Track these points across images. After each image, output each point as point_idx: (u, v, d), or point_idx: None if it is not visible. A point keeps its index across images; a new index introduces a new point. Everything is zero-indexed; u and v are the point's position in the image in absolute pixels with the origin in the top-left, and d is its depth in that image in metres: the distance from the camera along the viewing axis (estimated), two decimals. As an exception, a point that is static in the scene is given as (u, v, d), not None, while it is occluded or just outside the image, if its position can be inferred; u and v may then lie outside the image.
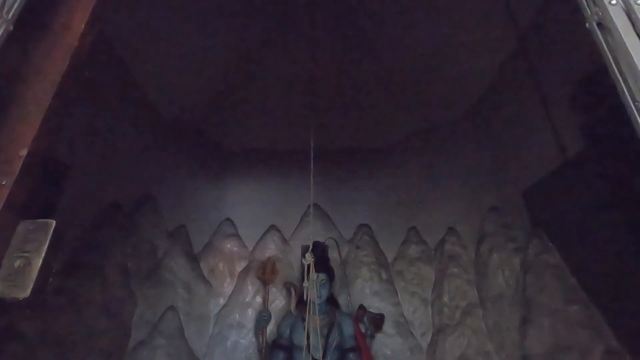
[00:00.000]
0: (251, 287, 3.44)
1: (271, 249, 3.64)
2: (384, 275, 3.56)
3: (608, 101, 2.00)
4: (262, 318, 3.00)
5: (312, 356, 2.63)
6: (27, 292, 0.71)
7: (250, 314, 3.33)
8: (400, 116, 3.98)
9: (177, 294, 3.22)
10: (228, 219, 3.84)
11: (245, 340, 3.25)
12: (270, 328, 3.12)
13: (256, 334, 3.12)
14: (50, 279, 0.75)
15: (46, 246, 0.75)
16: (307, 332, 2.48)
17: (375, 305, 3.34)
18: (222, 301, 3.45)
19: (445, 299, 3.22)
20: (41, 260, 0.73)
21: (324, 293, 2.89)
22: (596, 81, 2.00)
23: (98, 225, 2.64)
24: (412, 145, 4.04)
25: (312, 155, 2.66)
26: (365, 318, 3.07)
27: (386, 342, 3.24)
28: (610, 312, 1.99)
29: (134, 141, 3.06)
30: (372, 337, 3.08)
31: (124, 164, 2.93)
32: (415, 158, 3.98)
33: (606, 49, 0.89)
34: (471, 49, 2.97)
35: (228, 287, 3.52)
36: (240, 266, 3.61)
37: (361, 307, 3.15)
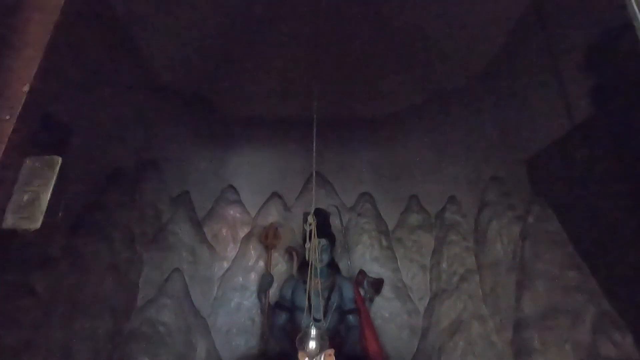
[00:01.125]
0: (254, 252, 3.53)
1: (273, 215, 3.69)
2: (384, 242, 3.63)
3: (614, 70, 1.95)
4: (265, 281, 3.09)
5: (312, 317, 2.73)
6: (38, 224, 0.73)
7: (253, 277, 3.43)
8: (405, 84, 3.91)
9: (181, 257, 3.30)
10: (230, 186, 3.88)
11: (248, 302, 3.38)
12: (273, 291, 3.22)
13: (259, 296, 3.23)
14: (60, 214, 0.76)
15: (53, 181, 0.76)
16: (309, 294, 2.56)
17: (374, 270, 3.44)
18: (225, 265, 3.55)
19: (444, 265, 3.30)
20: (49, 194, 0.74)
21: (325, 258, 2.95)
22: (604, 50, 1.95)
23: (101, 189, 2.67)
24: (416, 114, 3.99)
25: (314, 123, 2.62)
26: (364, 282, 3.17)
27: (384, 306, 3.36)
28: (605, 277, 2.04)
29: (133, 106, 3.04)
30: (371, 300, 3.19)
31: (125, 129, 2.92)
32: (418, 127, 3.95)
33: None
34: (479, 16, 2.86)
35: (231, 251, 3.60)
36: (243, 232, 3.68)
37: (361, 272, 3.24)
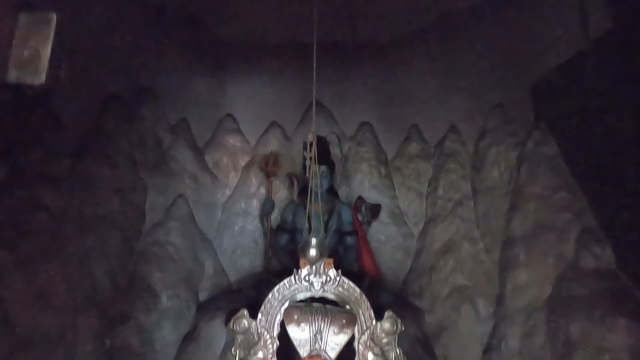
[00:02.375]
0: (255, 180, 3.60)
1: (273, 144, 3.70)
2: (382, 171, 3.69)
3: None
4: (267, 205, 3.20)
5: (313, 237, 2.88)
6: (42, 79, 0.73)
7: (255, 203, 3.55)
8: (407, 8, 3.65)
9: (185, 183, 3.38)
10: (229, 115, 3.82)
11: (251, 225, 3.53)
12: (274, 216, 3.35)
13: (261, 220, 3.37)
14: (61, 71, 0.76)
15: (51, 37, 0.75)
16: (309, 216, 2.67)
17: (373, 198, 3.54)
18: (228, 192, 3.65)
19: (440, 192, 3.39)
20: (49, 51, 0.73)
21: (325, 183, 3.02)
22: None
23: (100, 114, 2.65)
24: (421, 39, 3.78)
25: (314, 49, 2.50)
26: (363, 207, 3.29)
27: (381, 229, 3.53)
28: (594, 196, 2.12)
29: (126, 30, 2.88)
30: (369, 224, 3.34)
31: (119, 54, 2.81)
32: (422, 53, 3.77)
33: None
34: None
35: (233, 179, 3.68)
36: (243, 160, 3.72)
37: (359, 197, 3.35)
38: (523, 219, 2.43)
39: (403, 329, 1.83)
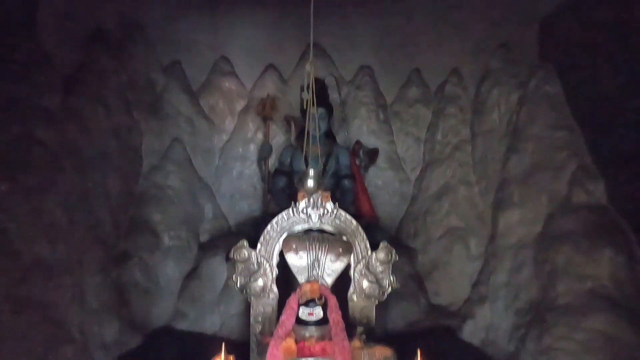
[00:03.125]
0: (252, 125, 3.55)
1: (269, 88, 3.59)
2: (381, 116, 3.64)
3: None
4: (264, 149, 3.19)
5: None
6: None
7: (252, 148, 3.52)
8: None
9: (180, 127, 3.34)
10: (224, 57, 3.67)
11: (249, 170, 3.54)
12: (272, 161, 3.35)
13: (259, 164, 3.38)
14: None
15: None
16: (306, 157, 2.67)
17: (371, 143, 3.52)
18: (224, 137, 3.61)
19: (438, 136, 3.38)
20: None
21: (323, 126, 2.98)
22: None
23: (88, 49, 2.54)
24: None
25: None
26: (360, 152, 3.28)
27: (378, 175, 3.55)
28: (592, 134, 2.11)
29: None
30: (366, 168, 3.35)
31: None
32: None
33: None
34: None
35: (229, 124, 3.62)
36: (240, 105, 3.64)
37: (357, 142, 3.33)
38: (520, 159, 2.44)
39: (397, 258, 1.91)
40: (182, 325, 2.72)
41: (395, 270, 2.71)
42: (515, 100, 2.70)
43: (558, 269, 1.96)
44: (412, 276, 3.03)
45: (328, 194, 1.88)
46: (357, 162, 3.27)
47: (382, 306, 2.48)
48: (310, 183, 1.72)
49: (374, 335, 1.73)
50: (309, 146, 2.55)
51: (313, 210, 1.85)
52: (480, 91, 3.07)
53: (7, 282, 1.69)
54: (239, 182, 3.53)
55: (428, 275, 3.11)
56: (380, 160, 3.52)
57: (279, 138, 3.50)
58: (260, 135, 3.48)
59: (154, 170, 3.13)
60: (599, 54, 2.14)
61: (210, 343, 2.44)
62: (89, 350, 2.04)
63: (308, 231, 1.87)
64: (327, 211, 1.86)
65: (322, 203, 1.85)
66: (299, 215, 1.86)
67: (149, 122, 3.13)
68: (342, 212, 1.88)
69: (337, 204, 1.89)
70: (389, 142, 3.61)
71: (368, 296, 1.85)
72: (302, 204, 1.85)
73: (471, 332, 2.54)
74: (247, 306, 2.20)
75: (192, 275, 2.91)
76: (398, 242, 3.31)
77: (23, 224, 1.78)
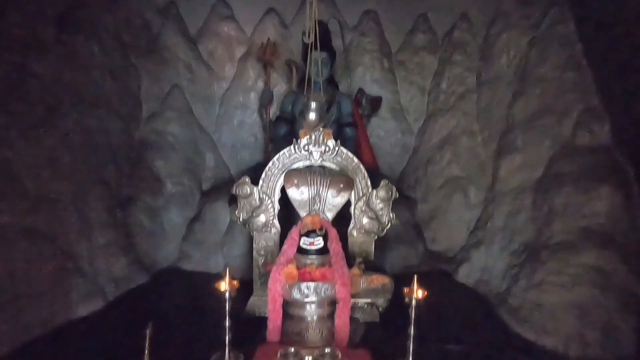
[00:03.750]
0: (252, 72, 3.46)
1: (270, 33, 3.45)
2: (385, 64, 3.53)
3: None
4: (266, 96, 3.13)
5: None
6: None
7: (253, 96, 3.46)
8: None
9: (179, 73, 3.25)
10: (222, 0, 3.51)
11: (250, 119, 3.50)
12: (273, 111, 3.29)
13: (260, 112, 3.33)
14: None
15: None
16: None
17: (374, 92, 3.44)
18: (224, 85, 3.53)
19: (443, 85, 3.30)
20: None
21: (325, 72, 2.89)
22: None
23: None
24: None
25: None
26: (363, 100, 3.22)
27: (380, 125, 3.51)
28: (602, 74, 2.05)
29: None
30: (369, 117, 3.31)
31: None
32: None
33: None
34: None
35: (229, 71, 3.53)
36: (239, 51, 3.53)
37: (360, 90, 3.26)
38: (526, 103, 2.39)
39: (397, 195, 1.93)
40: (187, 266, 2.82)
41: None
42: (525, 43, 2.59)
43: (556, 210, 1.98)
44: (411, 224, 3.09)
45: (330, 131, 1.87)
46: (360, 111, 3.22)
47: (381, 250, 2.56)
48: (312, 116, 1.70)
49: (372, 267, 1.79)
50: (311, 92, 2.51)
51: (315, 148, 1.85)
52: (488, 35, 2.96)
53: (16, 214, 1.73)
54: (240, 132, 3.50)
55: (427, 224, 3.17)
56: (383, 110, 3.47)
57: (280, 87, 3.42)
58: (260, 84, 3.40)
59: (154, 117, 3.09)
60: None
61: (216, 280, 2.57)
62: (99, 283, 2.12)
63: (310, 167, 1.88)
64: (329, 148, 1.86)
65: (323, 140, 1.84)
66: (301, 152, 1.86)
67: (146, 65, 3.05)
68: (344, 150, 1.88)
69: (338, 141, 1.88)
70: (392, 92, 3.53)
71: (368, 232, 1.90)
72: (303, 141, 1.85)
73: (466, 274, 2.63)
74: (250, 248, 2.27)
75: (195, 219, 2.97)
76: (398, 193, 3.33)
77: (26, 157, 1.79)
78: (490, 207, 2.64)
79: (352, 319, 1.60)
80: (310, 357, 1.27)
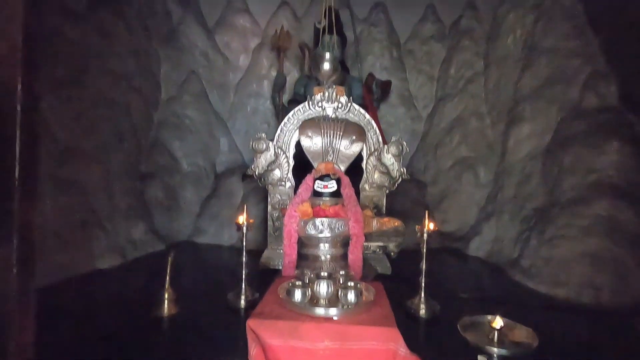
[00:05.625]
0: (266, 61, 3.61)
1: (283, 26, 3.62)
2: (395, 53, 3.65)
3: None
4: (279, 80, 3.24)
5: None
6: None
7: (266, 85, 3.59)
8: None
9: (196, 61, 3.42)
10: (238, -7, 3.70)
11: (263, 107, 3.63)
12: (285, 97, 3.41)
13: (273, 98, 3.43)
14: None
15: None
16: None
17: (383, 79, 3.55)
18: (239, 74, 3.68)
19: (452, 71, 3.39)
20: None
21: (336, 51, 3.00)
22: None
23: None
24: None
25: None
26: (374, 84, 3.31)
27: (390, 111, 3.60)
28: (606, 39, 2.11)
29: None
30: (379, 101, 3.39)
31: None
32: None
33: None
34: None
35: (244, 61, 3.68)
36: (253, 43, 3.69)
37: (370, 74, 3.35)
38: (533, 75, 2.46)
39: (408, 150, 1.98)
40: (202, 240, 2.87)
41: (405, 197, 2.82)
42: (531, 20, 2.68)
43: (566, 168, 2.01)
44: (422, 205, 3.12)
45: (342, 88, 1.95)
46: (370, 96, 3.31)
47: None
48: (326, 66, 1.78)
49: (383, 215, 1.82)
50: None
51: (328, 103, 1.93)
52: (496, 17, 3.05)
53: (49, 163, 1.83)
54: (253, 118, 3.62)
55: (437, 205, 3.18)
56: (392, 97, 3.57)
57: (292, 76, 3.55)
58: (273, 73, 3.54)
59: (172, 99, 3.23)
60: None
61: (228, 252, 2.62)
62: (119, 242, 2.19)
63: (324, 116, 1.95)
64: (342, 104, 1.94)
65: (336, 97, 1.92)
66: (315, 108, 1.94)
67: (166, 51, 3.21)
68: (356, 106, 1.96)
69: (351, 98, 1.96)
70: (401, 80, 3.63)
71: (379, 186, 1.94)
72: (317, 97, 1.93)
73: (476, 248, 2.63)
74: (263, 220, 2.33)
75: (210, 195, 3.05)
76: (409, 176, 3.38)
77: (57, 109, 1.91)
78: (500, 180, 2.67)
79: (365, 263, 1.63)
80: (326, 274, 1.30)
